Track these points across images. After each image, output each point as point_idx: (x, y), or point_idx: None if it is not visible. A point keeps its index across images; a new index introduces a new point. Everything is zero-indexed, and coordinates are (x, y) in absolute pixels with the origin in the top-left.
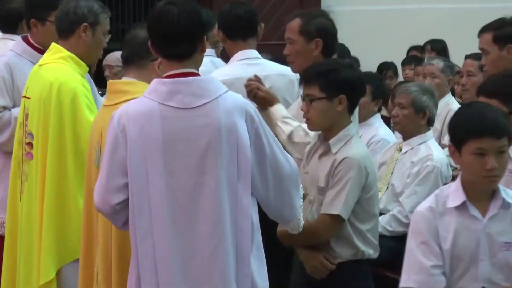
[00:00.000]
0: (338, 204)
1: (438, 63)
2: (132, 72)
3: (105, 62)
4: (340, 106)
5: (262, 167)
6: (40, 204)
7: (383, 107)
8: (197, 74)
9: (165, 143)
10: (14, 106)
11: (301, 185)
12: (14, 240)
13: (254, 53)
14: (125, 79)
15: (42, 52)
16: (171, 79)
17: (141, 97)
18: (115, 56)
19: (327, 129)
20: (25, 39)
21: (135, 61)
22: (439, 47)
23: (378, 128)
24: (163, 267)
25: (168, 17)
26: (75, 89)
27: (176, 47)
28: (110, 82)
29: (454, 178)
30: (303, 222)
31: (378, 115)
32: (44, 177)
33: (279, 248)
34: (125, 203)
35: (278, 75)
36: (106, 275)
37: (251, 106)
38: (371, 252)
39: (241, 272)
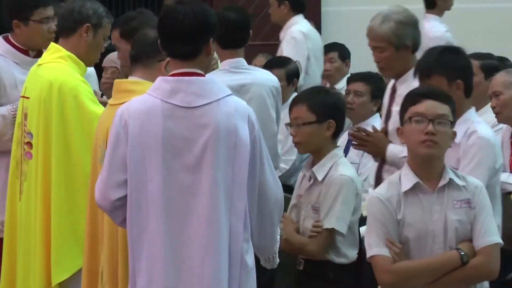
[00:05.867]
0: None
1: None
2: (139, 71)
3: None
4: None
5: (252, 182)
6: (42, 203)
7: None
8: (201, 75)
9: (164, 140)
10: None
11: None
12: (13, 240)
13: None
14: (131, 78)
15: (25, 52)
16: (174, 78)
17: (144, 94)
18: (109, 58)
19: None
20: (6, 39)
21: (142, 60)
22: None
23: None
24: (156, 264)
25: (173, 16)
26: (77, 86)
27: (178, 46)
28: (116, 81)
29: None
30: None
31: (377, 115)
32: (45, 176)
33: None
34: (125, 199)
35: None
36: (111, 275)
37: (253, 113)
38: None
39: (232, 275)
